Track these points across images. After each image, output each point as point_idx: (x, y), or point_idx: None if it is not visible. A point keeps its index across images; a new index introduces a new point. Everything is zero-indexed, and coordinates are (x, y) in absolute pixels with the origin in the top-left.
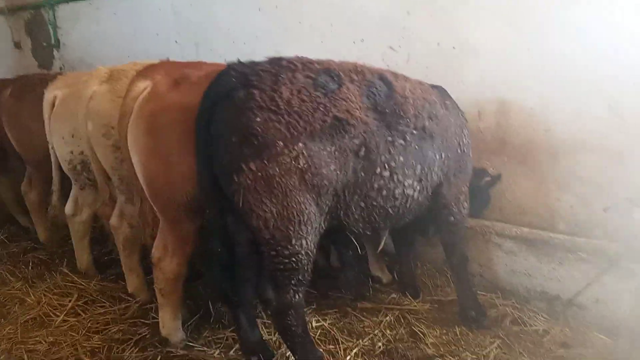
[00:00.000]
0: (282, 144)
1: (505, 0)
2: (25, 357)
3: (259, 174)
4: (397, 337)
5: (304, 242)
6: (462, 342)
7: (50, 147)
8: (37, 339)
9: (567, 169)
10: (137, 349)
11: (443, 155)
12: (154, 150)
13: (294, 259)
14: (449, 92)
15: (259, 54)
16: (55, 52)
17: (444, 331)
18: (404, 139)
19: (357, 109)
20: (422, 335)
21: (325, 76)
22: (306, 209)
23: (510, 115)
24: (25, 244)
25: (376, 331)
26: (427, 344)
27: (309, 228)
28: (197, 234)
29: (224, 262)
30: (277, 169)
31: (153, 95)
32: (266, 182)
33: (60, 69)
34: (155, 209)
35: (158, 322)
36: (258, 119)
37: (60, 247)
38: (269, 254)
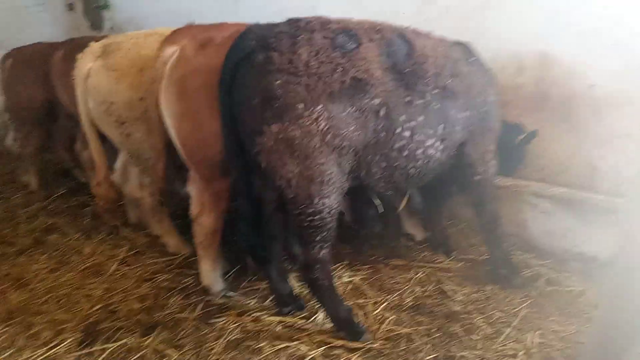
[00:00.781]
0: (302, 105)
1: None
2: (83, 301)
3: (280, 136)
4: (425, 294)
5: (326, 200)
6: (492, 300)
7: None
8: (93, 285)
9: (611, 126)
10: (181, 297)
11: (467, 114)
12: (185, 113)
13: (317, 217)
14: (474, 48)
15: (295, 10)
16: (105, 13)
17: (474, 289)
18: (424, 98)
19: (376, 68)
20: (451, 292)
21: (344, 36)
22: (327, 169)
23: (552, 70)
24: (83, 198)
25: (406, 287)
26: (454, 301)
27: (331, 187)
28: (230, 191)
29: (252, 220)
30: (298, 131)
31: (181, 60)
32: (287, 143)
33: (111, 29)
34: (190, 168)
35: (199, 273)
36: (277, 82)
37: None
38: (294, 213)
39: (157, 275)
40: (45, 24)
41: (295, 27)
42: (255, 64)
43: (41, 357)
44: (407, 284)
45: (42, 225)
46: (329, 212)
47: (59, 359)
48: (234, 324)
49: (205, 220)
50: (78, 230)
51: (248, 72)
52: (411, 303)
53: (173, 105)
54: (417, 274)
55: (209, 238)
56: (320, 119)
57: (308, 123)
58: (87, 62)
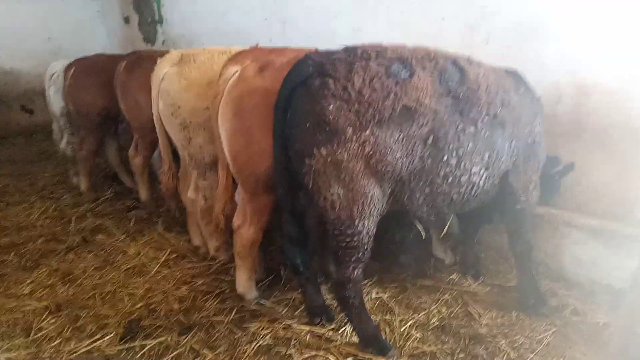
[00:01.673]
0: (351, 130)
1: None
2: (126, 298)
3: (329, 159)
4: (452, 315)
5: (366, 222)
6: (517, 326)
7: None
8: (136, 284)
9: None
10: (217, 301)
11: (513, 143)
12: (239, 129)
13: (355, 238)
14: (524, 77)
15: (340, 32)
16: (158, 28)
17: (500, 314)
18: (475, 127)
19: (427, 97)
20: (477, 315)
21: (398, 64)
22: (370, 192)
23: (591, 98)
24: (129, 202)
25: (432, 307)
26: (480, 324)
27: (372, 210)
28: (272, 207)
29: (294, 235)
30: (345, 155)
31: (240, 80)
32: (335, 166)
33: (163, 42)
34: (237, 181)
35: (235, 280)
36: (331, 107)
37: (158, 207)
38: (333, 233)
39: (195, 279)
40: (102, 36)
41: (352, 55)
42: (311, 89)
43: (85, 349)
44: (434, 304)
45: (90, 226)
46: (367, 234)
47: (101, 352)
48: (266, 329)
49: (245, 232)
50: (123, 232)
51: (304, 96)
52: (437, 323)
53: (228, 122)
54: (444, 295)
55: (247, 249)
56: (366, 144)
57: (355, 147)
58: (164, 67)
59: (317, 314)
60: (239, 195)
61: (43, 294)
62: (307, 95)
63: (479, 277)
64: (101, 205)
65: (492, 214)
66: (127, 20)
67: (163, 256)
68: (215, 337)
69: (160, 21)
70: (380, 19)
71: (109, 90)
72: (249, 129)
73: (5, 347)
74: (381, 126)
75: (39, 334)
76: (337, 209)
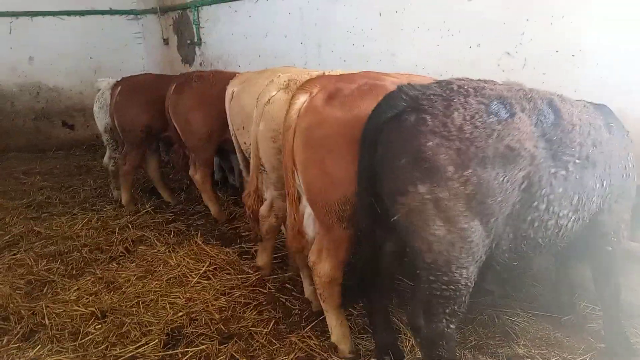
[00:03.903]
0: (452, 168)
1: (627, 8)
2: (168, 307)
3: (427, 197)
4: (489, 335)
5: (464, 271)
6: (555, 347)
7: (231, 133)
8: (177, 294)
9: None
10: (255, 312)
11: (604, 183)
12: (311, 160)
13: (452, 287)
14: (612, 112)
15: (376, 56)
16: (197, 49)
17: (538, 335)
18: (566, 170)
19: (527, 139)
20: (515, 335)
21: (498, 103)
22: (470, 236)
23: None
24: (168, 215)
25: (468, 327)
26: (518, 344)
27: (471, 257)
28: (350, 242)
29: (373, 274)
30: (446, 193)
31: (309, 110)
32: (434, 204)
33: (200, 64)
34: (313, 214)
35: (274, 292)
36: (430, 143)
37: (196, 220)
38: (427, 279)
39: (233, 290)
40: (141, 56)
41: (449, 90)
42: (407, 124)
43: (130, 354)
44: (471, 324)
45: (132, 237)
46: (465, 284)
47: (145, 357)
48: (305, 341)
49: (322, 268)
50: (164, 243)
51: (398, 132)
52: (474, 342)
53: (300, 152)
54: (481, 315)
55: (327, 288)
56: (468, 184)
57: (456, 186)
58: (271, 91)
59: (386, 352)
60: (316, 229)
61: (89, 301)
62: (402, 131)
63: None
64: (141, 218)
65: (578, 255)
66: (166, 41)
67: (202, 267)
68: (254, 347)
69: (199, 43)
70: (416, 44)
71: (152, 108)
72: (321, 159)
73: (55, 349)
74: (484, 166)
75: (86, 339)
76: (434, 251)
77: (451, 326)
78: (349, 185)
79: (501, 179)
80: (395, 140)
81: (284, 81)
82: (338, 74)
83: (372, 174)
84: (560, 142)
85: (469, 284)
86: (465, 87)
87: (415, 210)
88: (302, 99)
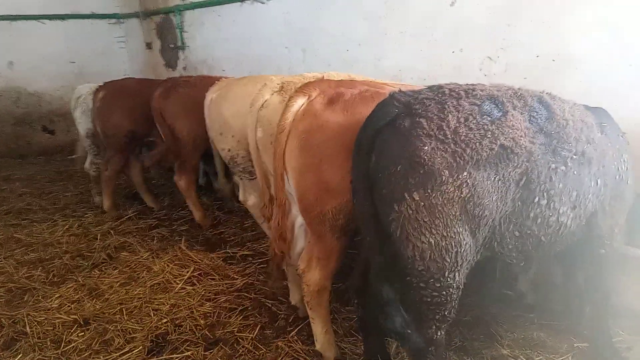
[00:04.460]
0: (447, 172)
1: (608, 13)
2: (152, 313)
3: (422, 203)
4: (473, 336)
5: (456, 275)
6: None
7: (210, 140)
8: (161, 300)
9: None
10: (241, 317)
11: (599, 182)
12: (307, 165)
13: (444, 292)
14: (607, 113)
15: (361, 60)
16: (180, 53)
17: (522, 335)
18: (566, 165)
19: (522, 136)
20: (499, 337)
21: (490, 103)
22: (464, 240)
23: None
24: (151, 221)
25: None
26: (502, 345)
27: (463, 261)
28: (341, 252)
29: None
30: (440, 199)
31: (308, 113)
32: (428, 211)
33: (184, 68)
34: (304, 222)
35: (259, 297)
36: (425, 148)
37: (180, 225)
38: (418, 285)
39: (218, 296)
40: (124, 60)
41: (441, 94)
42: (401, 129)
43: None
44: (455, 325)
45: (114, 243)
46: (456, 287)
47: None
48: (291, 345)
49: (311, 276)
50: (147, 249)
51: (392, 138)
52: (459, 344)
53: (295, 158)
54: (465, 316)
55: (315, 297)
56: (463, 187)
57: (451, 190)
58: (265, 95)
59: (373, 356)
60: (307, 238)
61: (71, 308)
62: (396, 137)
63: None
64: (124, 224)
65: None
66: (149, 45)
67: (187, 273)
68: (240, 353)
69: (182, 47)
70: (403, 49)
71: (135, 113)
72: (318, 165)
73: (37, 358)
74: (478, 167)
75: (69, 347)
76: (426, 259)
77: (441, 332)
78: (345, 193)
79: (496, 178)
80: (390, 146)
81: (277, 84)
82: (336, 79)
83: (368, 182)
84: (558, 137)
85: (460, 287)
86: (457, 90)
87: (410, 218)
88: (299, 102)
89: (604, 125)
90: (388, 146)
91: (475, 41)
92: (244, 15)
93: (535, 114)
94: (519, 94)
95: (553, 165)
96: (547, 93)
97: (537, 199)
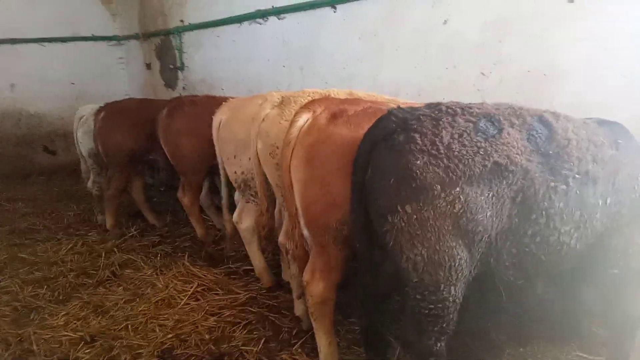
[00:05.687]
0: (439, 187)
1: (599, 27)
2: (157, 329)
3: (414, 216)
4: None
5: (452, 288)
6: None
7: (220, 164)
8: (166, 316)
9: None
10: (245, 331)
11: (609, 201)
12: (311, 179)
13: (440, 305)
14: (624, 129)
15: (358, 77)
16: (179, 74)
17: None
18: (567, 184)
19: (517, 154)
20: None
21: (486, 121)
22: (458, 254)
23: None
24: (154, 238)
25: None
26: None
27: (459, 275)
28: (344, 263)
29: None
30: (432, 212)
31: (312, 128)
32: (420, 224)
33: (183, 88)
34: (308, 233)
35: (263, 311)
36: (418, 162)
37: (183, 242)
38: (415, 298)
39: (222, 310)
40: (124, 81)
41: (437, 110)
42: (395, 143)
43: None
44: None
45: (119, 260)
46: (453, 301)
47: None
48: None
49: (315, 288)
50: (151, 266)
51: (387, 151)
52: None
53: (301, 171)
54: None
55: (319, 309)
56: (456, 202)
57: (443, 205)
58: (265, 109)
59: None
60: (310, 250)
61: (77, 325)
62: (391, 150)
63: None
64: (127, 242)
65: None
66: (149, 66)
67: (191, 289)
68: None
69: (181, 68)
70: (399, 64)
71: (136, 132)
72: (323, 178)
73: None
74: (471, 183)
75: None
76: (420, 271)
77: (440, 344)
78: (349, 205)
79: (489, 194)
80: (385, 160)
81: (277, 99)
82: (338, 94)
83: (364, 194)
84: (557, 156)
85: (457, 301)
86: (453, 107)
87: (403, 230)
88: (304, 117)
89: (619, 142)
90: (382, 160)
91: (468, 57)
92: (242, 36)
93: (534, 132)
94: (518, 112)
95: (552, 184)
96: (550, 112)
97: (534, 217)
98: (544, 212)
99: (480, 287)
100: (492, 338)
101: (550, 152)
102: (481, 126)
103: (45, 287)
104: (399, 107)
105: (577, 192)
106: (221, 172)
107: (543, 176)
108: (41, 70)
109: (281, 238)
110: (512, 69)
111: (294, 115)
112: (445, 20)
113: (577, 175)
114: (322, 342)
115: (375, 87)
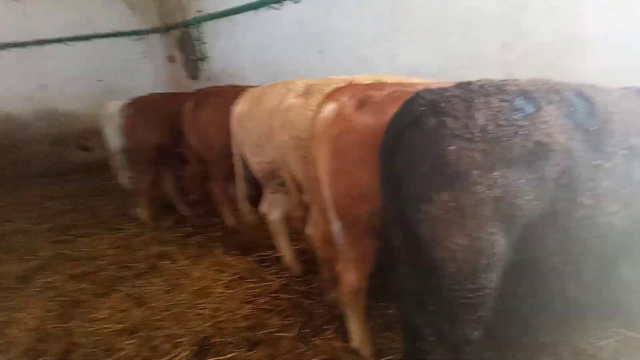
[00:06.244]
0: (477, 172)
1: None
2: (195, 319)
3: (451, 204)
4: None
5: (491, 275)
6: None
7: (235, 157)
8: (203, 305)
9: None
10: (280, 318)
11: None
12: (339, 170)
13: (479, 294)
14: None
15: (377, 58)
16: (200, 64)
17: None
18: (612, 161)
19: (559, 132)
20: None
21: (522, 99)
22: (497, 240)
23: None
24: (188, 229)
25: None
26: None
27: (498, 262)
28: (376, 252)
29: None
30: (470, 199)
31: (338, 118)
32: (458, 212)
33: (207, 78)
34: (339, 226)
35: (296, 298)
36: (451, 148)
37: (215, 232)
38: (452, 288)
39: (257, 298)
40: (149, 75)
41: (468, 91)
42: (426, 129)
43: None
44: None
45: (155, 253)
46: (491, 288)
47: None
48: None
49: (348, 278)
50: (186, 257)
51: (417, 137)
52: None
53: (328, 163)
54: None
55: (352, 297)
56: (495, 186)
57: (482, 190)
58: (289, 98)
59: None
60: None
61: (119, 317)
62: (421, 136)
63: None
64: (163, 234)
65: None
66: (171, 59)
67: (225, 278)
68: (281, 352)
69: (203, 58)
70: (416, 44)
71: (161, 126)
72: (351, 169)
73: None
74: (510, 166)
75: (120, 354)
76: (459, 260)
77: (477, 333)
78: (379, 196)
79: (531, 176)
80: (416, 146)
81: (302, 87)
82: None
83: (394, 182)
84: (599, 132)
85: (494, 287)
86: (486, 86)
87: (439, 219)
88: (330, 108)
89: None
90: (413, 146)
91: (490, 30)
92: (258, 22)
93: (573, 108)
94: (555, 88)
95: (596, 162)
96: (588, 85)
97: (581, 199)
98: (589, 193)
99: (523, 275)
100: (529, 316)
101: (592, 128)
102: (517, 105)
103: (87, 281)
104: (426, 89)
105: (624, 168)
106: (236, 163)
107: (587, 155)
108: (68, 70)
109: (308, 229)
110: (535, 41)
111: (318, 107)
112: None
113: (621, 151)
114: (355, 327)
115: (394, 69)
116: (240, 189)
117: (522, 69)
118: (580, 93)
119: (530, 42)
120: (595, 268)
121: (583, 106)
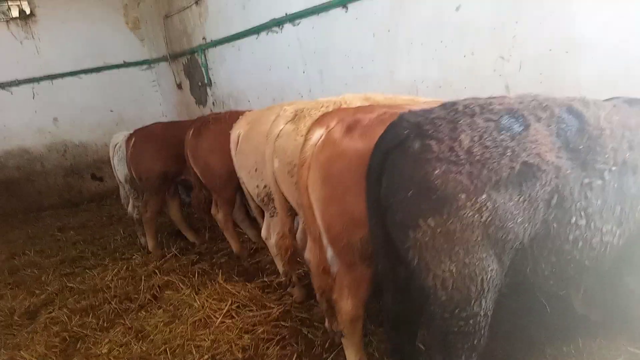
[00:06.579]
0: (464, 196)
1: None
2: (194, 351)
3: (438, 230)
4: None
5: (483, 302)
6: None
7: (240, 180)
8: (202, 336)
9: None
10: (278, 347)
11: None
12: (330, 197)
13: (471, 322)
14: None
15: (376, 75)
16: (208, 90)
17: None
18: (602, 179)
19: (548, 151)
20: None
21: (509, 118)
22: (489, 266)
23: None
24: (192, 256)
25: None
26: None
27: (490, 288)
28: (371, 279)
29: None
30: (459, 224)
31: (327, 143)
32: (446, 238)
33: (213, 103)
34: (332, 253)
35: (296, 325)
36: (436, 172)
37: (220, 258)
38: (443, 316)
39: (256, 327)
40: (158, 102)
41: (453, 112)
42: (410, 153)
43: None
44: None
45: (159, 282)
46: (484, 315)
47: None
48: None
49: (344, 306)
50: (189, 286)
51: (402, 162)
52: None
53: (319, 189)
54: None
55: (348, 325)
56: (483, 210)
57: (470, 215)
58: (279, 125)
59: None
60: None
61: (119, 352)
62: (406, 160)
63: None
64: (168, 262)
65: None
66: (179, 86)
67: (225, 307)
68: None
69: (209, 84)
70: (413, 58)
71: (165, 154)
72: (342, 195)
73: None
74: (499, 188)
75: None
76: (449, 288)
77: None
78: None
79: (520, 198)
80: (400, 171)
81: (291, 113)
82: (353, 101)
83: (380, 207)
84: (589, 150)
85: (488, 314)
86: (471, 106)
87: (427, 246)
88: (318, 133)
89: None
90: (398, 170)
91: (485, 42)
92: (261, 46)
93: (563, 125)
94: (544, 104)
95: (586, 180)
96: (579, 100)
97: (574, 220)
98: (582, 213)
99: (518, 298)
100: (532, 338)
101: (583, 145)
102: (504, 124)
103: (90, 315)
104: (411, 111)
105: (616, 185)
106: (242, 185)
107: (577, 173)
108: (80, 102)
109: (307, 254)
110: (532, 50)
111: (307, 132)
112: (457, 7)
113: (613, 167)
114: (352, 357)
115: (394, 85)
116: (253, 208)
117: (521, 80)
118: (570, 109)
119: (525, 53)
120: (591, 287)
121: (574, 123)
